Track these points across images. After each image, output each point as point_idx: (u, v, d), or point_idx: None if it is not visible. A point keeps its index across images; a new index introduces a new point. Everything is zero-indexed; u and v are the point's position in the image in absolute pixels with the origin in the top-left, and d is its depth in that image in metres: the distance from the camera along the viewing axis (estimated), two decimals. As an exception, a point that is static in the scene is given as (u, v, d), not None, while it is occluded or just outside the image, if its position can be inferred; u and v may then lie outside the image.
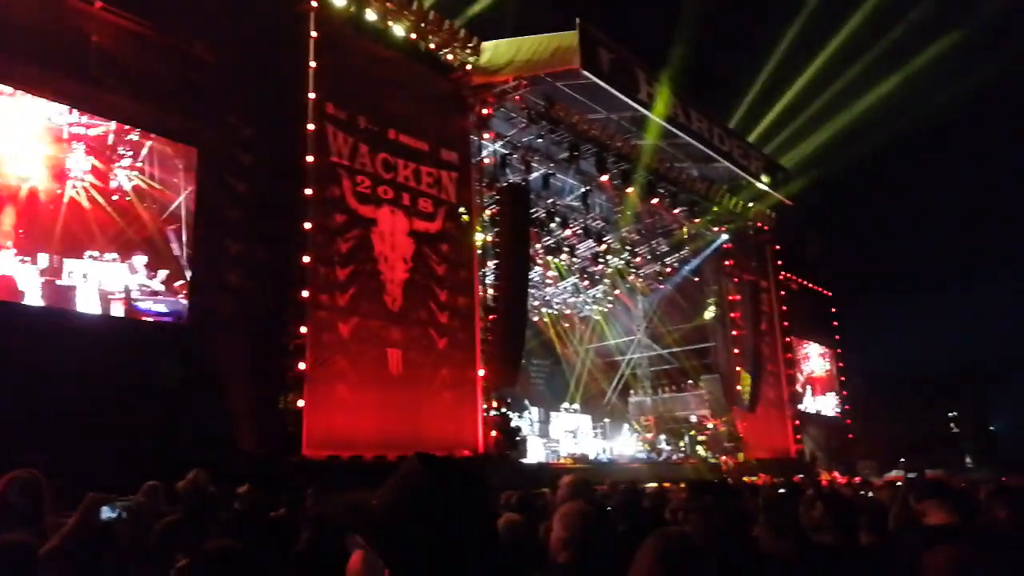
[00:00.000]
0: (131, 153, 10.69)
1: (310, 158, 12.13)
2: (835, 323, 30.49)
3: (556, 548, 2.93)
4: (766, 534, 4.28)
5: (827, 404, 29.16)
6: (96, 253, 10.09)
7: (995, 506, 4.32)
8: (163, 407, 9.60)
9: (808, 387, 27.58)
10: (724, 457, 20.88)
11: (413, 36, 14.21)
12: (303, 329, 11.54)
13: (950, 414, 40.09)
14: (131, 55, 10.77)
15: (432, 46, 14.61)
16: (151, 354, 10.05)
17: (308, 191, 12.00)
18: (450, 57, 14.84)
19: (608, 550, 3.12)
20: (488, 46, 15.16)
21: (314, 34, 12.53)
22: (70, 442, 7.91)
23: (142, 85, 10.83)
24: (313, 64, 12.43)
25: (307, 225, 11.91)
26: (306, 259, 11.78)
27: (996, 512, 4.23)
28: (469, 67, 15.03)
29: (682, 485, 9.29)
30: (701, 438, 22.30)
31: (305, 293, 11.68)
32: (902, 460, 28.13)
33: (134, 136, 10.74)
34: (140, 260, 10.55)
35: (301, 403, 11.19)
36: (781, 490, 8.00)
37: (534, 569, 3.36)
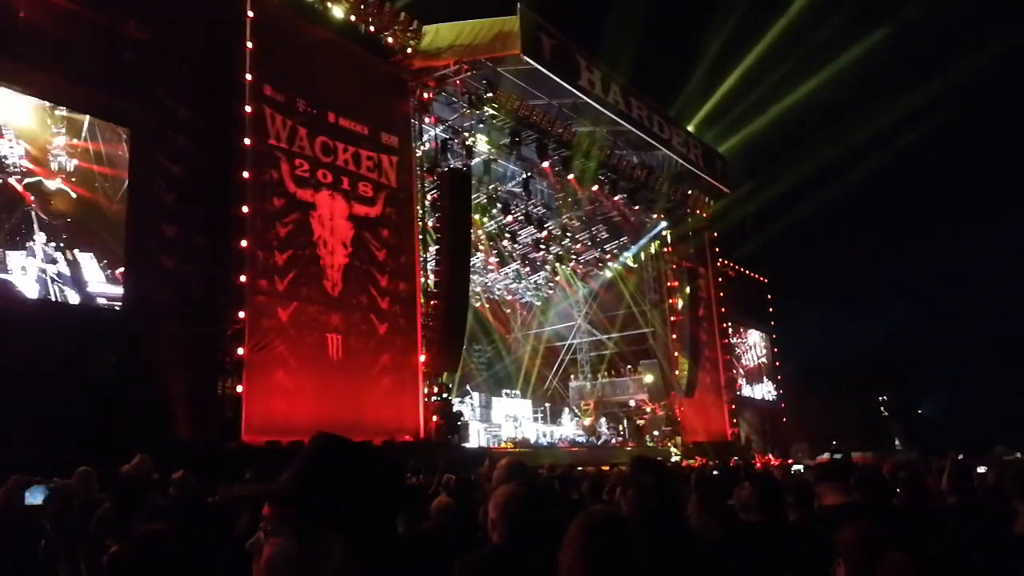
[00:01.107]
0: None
1: (247, 140, 11.91)
2: (771, 309, 31.33)
3: (490, 529, 2.98)
4: (696, 513, 4.42)
5: (762, 390, 30.00)
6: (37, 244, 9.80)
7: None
8: (98, 394, 9.39)
9: (743, 378, 28.27)
10: (665, 441, 21.35)
11: (352, 18, 14.04)
12: (241, 314, 11.38)
13: (880, 398, 41.61)
14: (61, 33, 10.38)
15: (372, 29, 14.44)
16: (85, 340, 9.80)
17: (245, 174, 11.79)
18: (390, 40, 14.69)
19: (542, 531, 3.19)
20: (429, 29, 15.05)
21: (251, 14, 12.28)
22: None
23: (72, 63, 10.47)
24: (250, 45, 12.18)
25: (244, 209, 11.71)
26: (244, 243, 11.59)
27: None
28: (409, 51, 14.90)
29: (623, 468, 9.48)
30: (640, 422, 22.74)
31: (243, 278, 11.49)
32: (833, 443, 29.14)
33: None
34: (86, 255, 10.28)
35: (240, 389, 11.06)
36: (715, 472, 8.25)
37: (468, 550, 3.42)
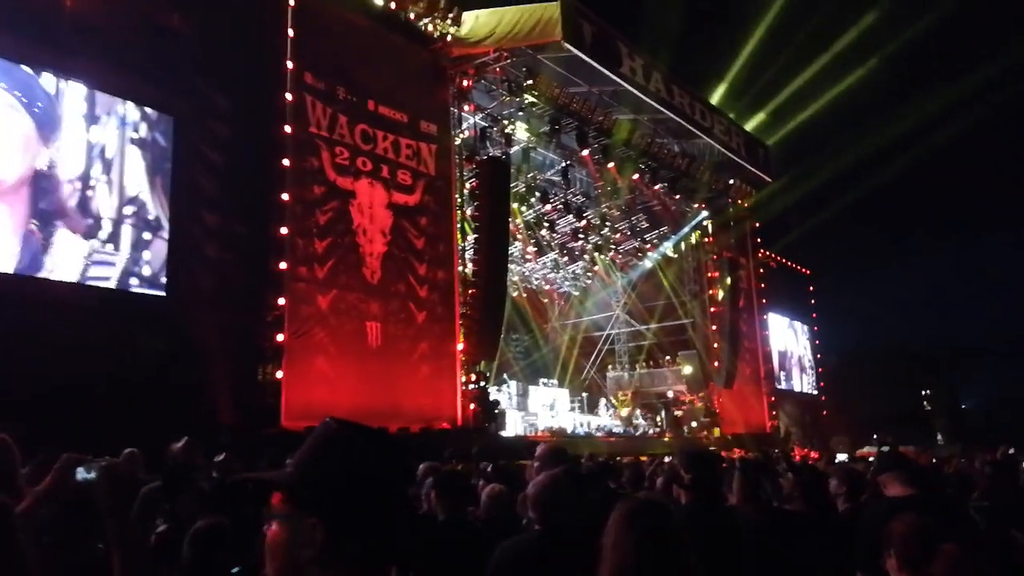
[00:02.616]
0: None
1: (288, 128, 11.99)
2: (812, 301, 30.81)
3: (529, 514, 2.96)
4: (740, 502, 4.34)
5: (803, 382, 29.56)
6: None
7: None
8: (142, 379, 9.54)
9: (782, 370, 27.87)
10: (704, 432, 21.13)
11: (392, 5, 14.04)
12: (281, 301, 11.48)
13: (923, 392, 40.77)
14: (106, 23, 10.52)
15: (412, 16, 14.42)
16: (130, 325, 9.97)
17: (286, 162, 11.88)
18: (430, 27, 14.65)
19: (582, 517, 3.15)
20: (469, 16, 14.99)
21: (292, 2, 12.34)
22: (47, 414, 7.84)
23: (117, 53, 10.62)
24: (291, 33, 12.25)
25: (285, 196, 11.79)
26: (284, 231, 11.68)
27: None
28: (449, 38, 14.85)
29: (666, 459, 9.41)
30: (678, 413, 22.53)
31: (283, 265, 11.60)
32: (874, 436, 28.66)
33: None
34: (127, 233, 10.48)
35: (280, 375, 11.18)
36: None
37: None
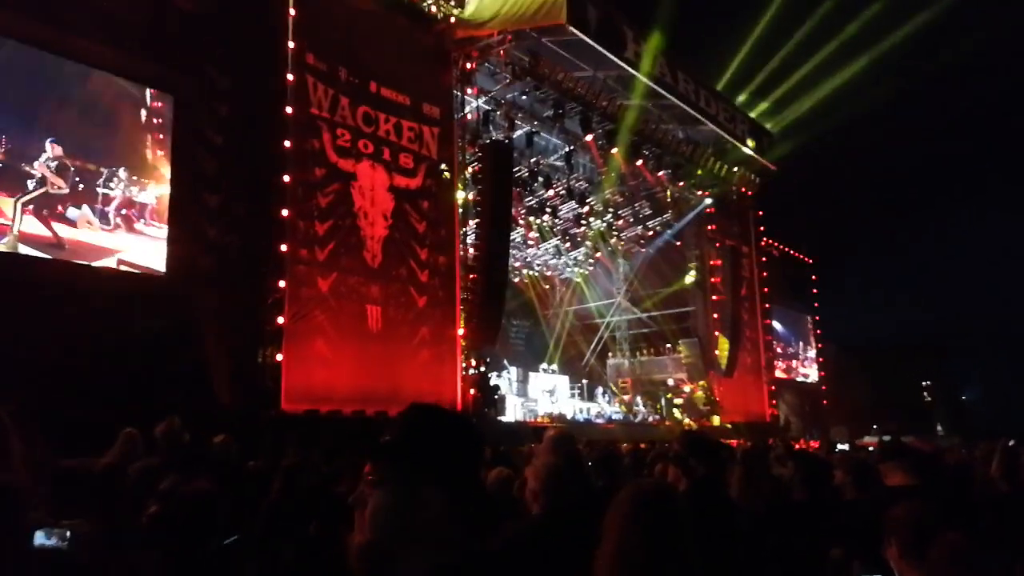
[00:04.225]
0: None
1: (289, 109, 11.90)
2: (814, 290, 30.73)
3: (529, 499, 2.92)
4: (740, 488, 4.31)
5: (803, 372, 29.54)
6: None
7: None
8: (141, 359, 9.51)
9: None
10: (702, 420, 21.12)
11: (395, -14, 13.90)
12: (281, 283, 11.43)
13: (923, 383, 40.77)
14: (109, 3, 10.42)
15: (415, -3, 14.29)
16: (130, 306, 9.93)
17: (287, 143, 11.79)
18: (433, 9, 14.52)
19: (583, 503, 3.11)
20: (472, -1, 14.86)
21: (294, -18, 12.22)
22: (43, 392, 7.81)
23: (117, 31, 10.51)
24: (293, 13, 12.13)
25: (286, 178, 11.71)
26: (285, 213, 11.61)
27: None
28: (453, 19, 14.72)
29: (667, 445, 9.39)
30: (678, 401, 22.52)
31: (284, 247, 11.54)
32: (875, 427, 28.67)
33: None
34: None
35: (280, 357, 11.14)
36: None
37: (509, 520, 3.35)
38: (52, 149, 9.65)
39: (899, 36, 25.99)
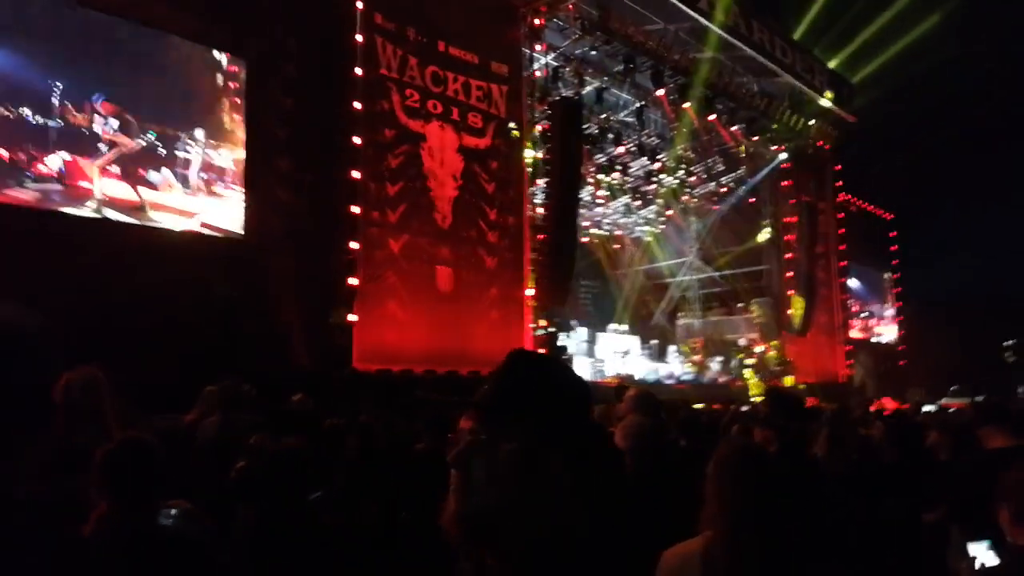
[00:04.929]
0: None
1: (359, 71, 11.91)
2: (894, 247, 29.60)
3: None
4: (826, 451, 4.19)
5: (881, 330, 28.68)
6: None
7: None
8: (219, 320, 9.78)
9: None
10: (774, 381, 20.72)
11: (463, -58, 13.67)
12: (354, 245, 11.57)
13: (1005, 343, 39.02)
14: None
15: (482, -47, 14.04)
16: (206, 269, 10.19)
17: (357, 105, 11.83)
18: (501, -36, 14.27)
19: (668, 461, 3.07)
20: (541, -48, 14.51)
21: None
22: (123, 354, 8.09)
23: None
24: (361, -28, 12.08)
25: (356, 140, 11.78)
26: (356, 175, 11.70)
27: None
28: (521, -26, 14.44)
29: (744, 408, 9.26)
30: (749, 361, 22.12)
31: (356, 209, 11.65)
32: (953, 388, 27.65)
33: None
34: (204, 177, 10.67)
35: (353, 318, 11.32)
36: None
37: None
38: (104, 108, 9.74)
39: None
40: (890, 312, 29.34)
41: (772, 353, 21.89)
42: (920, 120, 27.24)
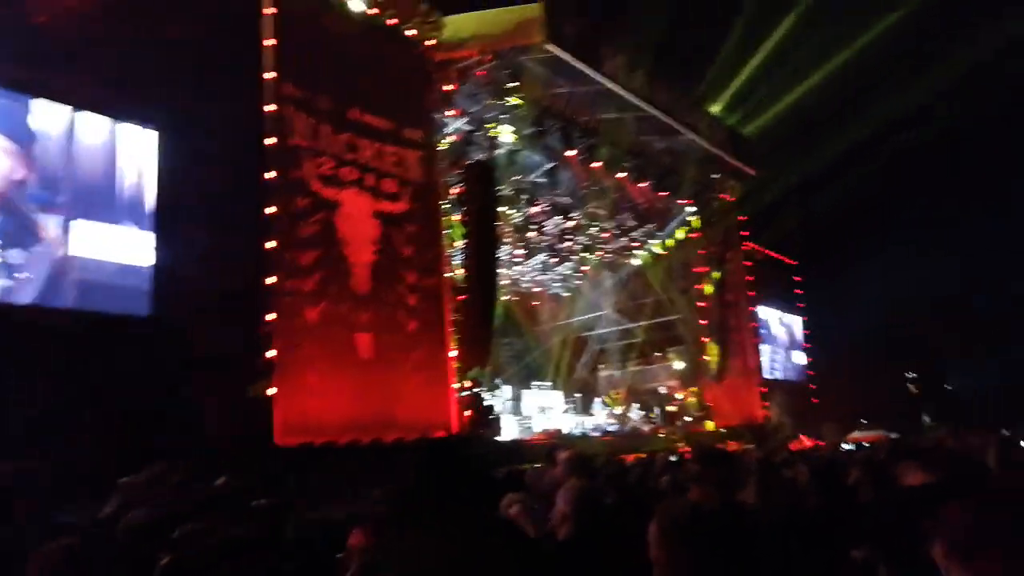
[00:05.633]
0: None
1: (271, 140, 11.84)
2: (798, 291, 30.94)
3: (558, 522, 2.88)
4: (756, 500, 4.27)
5: (792, 371, 29.74)
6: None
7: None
8: (128, 404, 9.36)
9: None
10: (696, 427, 21.12)
11: (373, 11, 13.88)
12: (270, 316, 11.31)
13: (908, 375, 41.01)
14: (83, 37, 10.32)
15: (393, 21, 14.28)
16: (115, 349, 9.78)
17: (270, 175, 11.71)
18: (412, 32, 14.52)
19: (601, 523, 3.07)
20: (450, 20, 14.88)
21: (271, 10, 12.17)
22: (36, 444, 7.67)
23: (97, 66, 10.42)
24: (270, 42, 12.10)
25: (270, 210, 11.63)
26: (270, 244, 11.52)
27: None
28: (431, 42, 14.73)
29: (673, 457, 9.37)
30: (671, 408, 22.51)
31: (271, 280, 11.43)
32: (863, 421, 28.89)
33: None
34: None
35: (271, 392, 11.00)
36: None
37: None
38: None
39: (881, 27, 26.09)
40: (800, 353, 30.49)
41: (692, 399, 22.37)
42: (815, 169, 28.82)
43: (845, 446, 16.41)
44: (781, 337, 29.48)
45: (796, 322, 30.72)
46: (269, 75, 11.99)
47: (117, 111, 10.82)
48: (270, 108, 11.90)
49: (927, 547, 2.63)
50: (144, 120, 11.04)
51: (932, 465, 3.95)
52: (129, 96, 10.80)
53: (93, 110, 10.59)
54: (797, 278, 31.34)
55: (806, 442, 21.92)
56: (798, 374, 30.00)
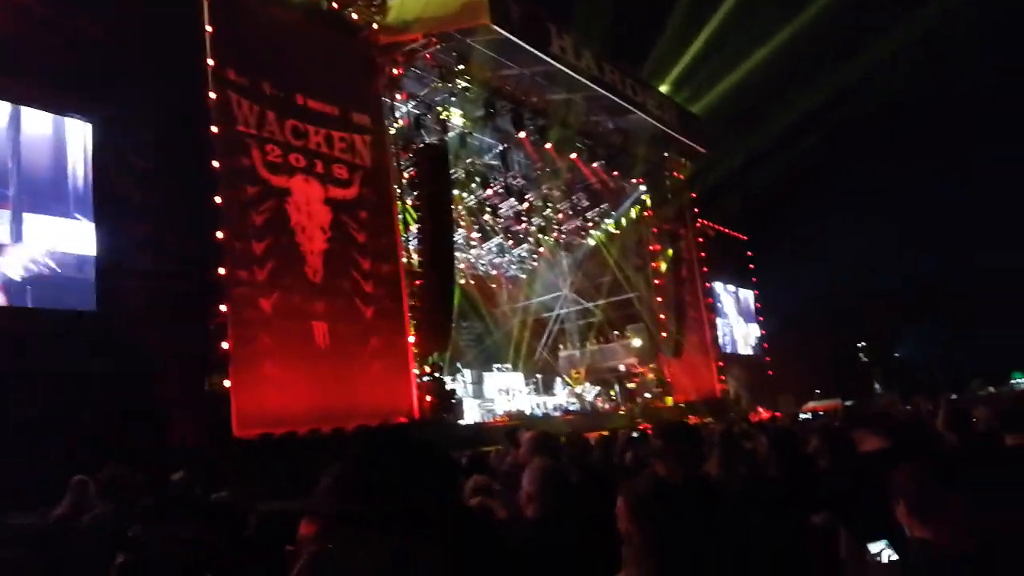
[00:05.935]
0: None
1: (214, 128, 11.55)
2: (751, 266, 31.43)
3: (524, 502, 2.86)
4: (719, 471, 4.31)
5: (748, 345, 30.24)
6: None
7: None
8: (82, 403, 9.13)
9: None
10: (656, 402, 21.38)
11: (314, -4, 13.62)
12: (223, 308, 11.09)
13: (859, 344, 42.16)
14: (15, 31, 9.94)
15: (335, 5, 14.01)
16: (66, 347, 9.51)
17: (216, 163, 11.44)
18: (355, 16, 14.26)
19: (568, 501, 3.06)
20: (394, 3, 14.62)
21: (208, -3, 11.86)
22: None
23: (31, 62, 10.05)
24: (209, 28, 11.78)
25: (218, 199, 11.37)
26: (220, 235, 11.27)
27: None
28: (375, 26, 14.50)
29: (635, 433, 9.45)
30: (631, 385, 22.76)
31: (222, 271, 11.20)
32: (817, 391, 29.61)
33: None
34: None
35: (228, 384, 10.80)
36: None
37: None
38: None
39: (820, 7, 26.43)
40: (755, 327, 31.02)
41: (651, 376, 22.63)
42: (762, 144, 29.27)
43: (802, 416, 16.79)
44: (735, 312, 29.93)
45: (750, 296, 31.22)
46: (210, 62, 11.67)
47: (58, 105, 10.47)
48: (212, 95, 11.59)
49: (886, 509, 2.70)
50: (82, 113, 10.67)
51: (885, 431, 4.04)
52: (65, 89, 10.44)
53: (33, 105, 10.23)
54: (749, 252, 31.83)
55: (763, 413, 22.38)
56: (753, 347, 30.52)
